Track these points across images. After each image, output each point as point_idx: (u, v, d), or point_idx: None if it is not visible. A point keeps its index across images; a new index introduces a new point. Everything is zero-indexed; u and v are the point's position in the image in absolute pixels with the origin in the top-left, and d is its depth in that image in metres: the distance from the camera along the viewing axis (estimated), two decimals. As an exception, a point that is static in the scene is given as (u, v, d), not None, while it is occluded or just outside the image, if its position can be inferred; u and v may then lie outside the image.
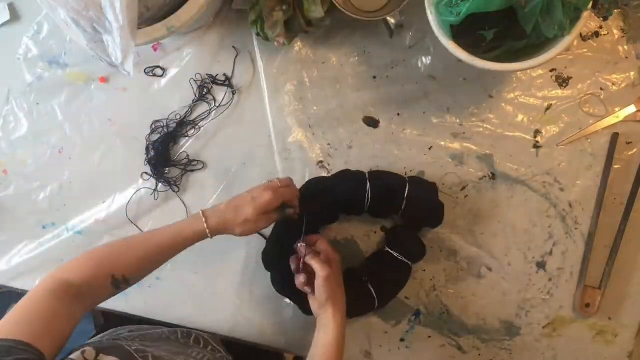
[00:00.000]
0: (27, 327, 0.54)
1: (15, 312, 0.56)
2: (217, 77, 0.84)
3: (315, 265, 0.69)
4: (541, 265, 0.79)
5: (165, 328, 0.77)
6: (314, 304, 0.70)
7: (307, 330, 0.83)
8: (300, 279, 0.71)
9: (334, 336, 0.67)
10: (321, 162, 0.82)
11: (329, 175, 0.81)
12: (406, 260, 0.76)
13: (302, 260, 0.71)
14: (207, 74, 0.84)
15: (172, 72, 0.85)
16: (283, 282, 0.77)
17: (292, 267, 0.72)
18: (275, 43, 0.76)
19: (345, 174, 0.78)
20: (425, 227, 0.79)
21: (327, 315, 0.68)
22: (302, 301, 0.76)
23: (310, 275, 0.70)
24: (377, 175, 0.76)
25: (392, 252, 0.76)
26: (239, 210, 0.68)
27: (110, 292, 0.64)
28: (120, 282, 0.64)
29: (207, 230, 0.67)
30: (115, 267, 0.64)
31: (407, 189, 0.73)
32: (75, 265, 0.63)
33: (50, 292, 0.59)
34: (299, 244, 0.72)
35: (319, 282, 0.68)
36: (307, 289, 0.70)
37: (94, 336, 0.78)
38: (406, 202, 0.73)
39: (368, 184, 0.74)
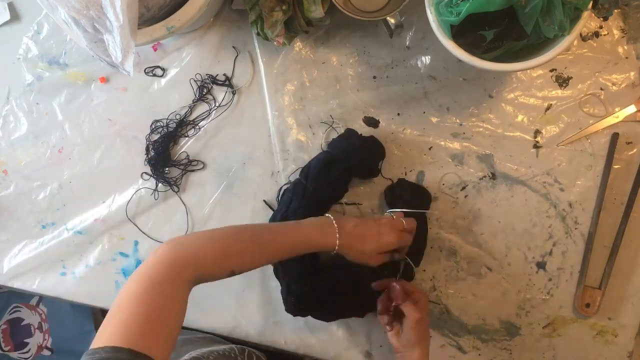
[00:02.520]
0: (139, 328, 0.47)
1: (123, 306, 0.49)
2: (217, 77, 0.84)
3: (408, 309, 0.69)
4: (541, 265, 0.79)
5: (222, 346, 0.74)
6: (396, 342, 0.71)
7: (307, 330, 0.83)
8: (385, 320, 0.72)
9: None
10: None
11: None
12: (417, 211, 0.75)
13: (393, 304, 0.71)
14: (207, 74, 0.84)
15: (172, 72, 0.85)
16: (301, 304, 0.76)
17: (380, 307, 0.74)
18: (275, 43, 0.76)
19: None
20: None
21: (413, 356, 0.69)
22: (323, 312, 0.77)
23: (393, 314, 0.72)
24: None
25: (397, 210, 0.75)
26: (363, 240, 0.68)
27: (224, 277, 0.61)
28: (235, 274, 0.61)
29: (336, 248, 0.66)
30: (240, 263, 0.61)
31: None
32: (204, 251, 0.58)
33: (172, 281, 0.53)
34: (395, 285, 0.72)
35: (410, 324, 0.69)
36: (388, 329, 0.71)
37: None
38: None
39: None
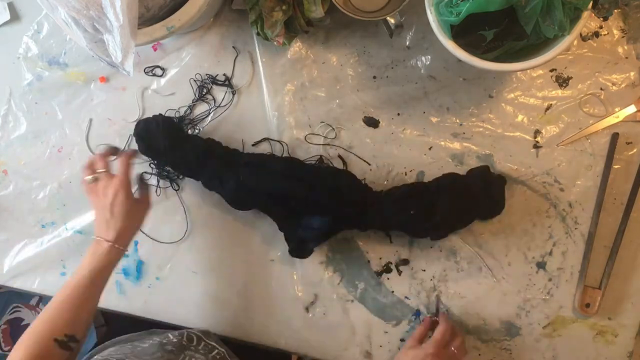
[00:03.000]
0: None
1: None
2: (217, 77, 0.84)
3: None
4: (541, 265, 0.79)
5: (156, 336, 0.75)
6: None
7: (307, 330, 0.83)
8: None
9: None
10: (321, 161, 0.82)
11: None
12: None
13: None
14: (206, 74, 0.84)
15: (172, 71, 0.85)
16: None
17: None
18: (275, 43, 0.76)
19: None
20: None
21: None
22: (295, 243, 0.76)
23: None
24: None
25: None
26: (123, 221, 0.69)
27: (61, 352, 0.62)
28: (65, 341, 0.62)
29: (121, 248, 0.69)
30: (54, 332, 0.62)
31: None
32: (19, 346, 0.62)
33: None
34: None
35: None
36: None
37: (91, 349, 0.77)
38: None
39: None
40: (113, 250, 0.69)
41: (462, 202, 0.74)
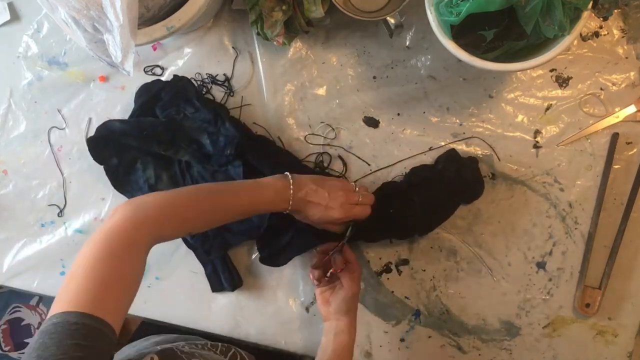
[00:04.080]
0: (91, 294, 0.48)
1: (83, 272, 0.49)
2: (217, 77, 0.84)
3: (346, 281, 0.71)
4: (541, 265, 0.79)
5: (207, 340, 0.75)
6: (326, 311, 0.73)
7: (307, 330, 0.83)
8: (315, 274, 0.73)
9: (350, 343, 0.71)
10: (321, 161, 0.82)
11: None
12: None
13: (331, 270, 0.72)
14: (206, 74, 0.84)
15: (172, 71, 0.85)
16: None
17: (315, 261, 0.74)
18: (275, 43, 0.76)
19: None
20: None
21: (344, 323, 0.72)
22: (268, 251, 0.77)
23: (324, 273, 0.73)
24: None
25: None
26: (311, 209, 0.68)
27: (175, 237, 0.63)
28: (192, 234, 0.66)
29: (287, 211, 0.67)
30: (199, 226, 0.63)
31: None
32: (164, 216, 0.57)
33: (129, 246, 0.53)
34: (334, 255, 0.72)
35: (347, 295, 0.71)
36: (316, 283, 0.73)
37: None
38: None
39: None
40: (283, 207, 0.67)
41: (438, 192, 0.75)
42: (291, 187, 0.66)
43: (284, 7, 0.73)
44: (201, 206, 0.61)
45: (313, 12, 0.72)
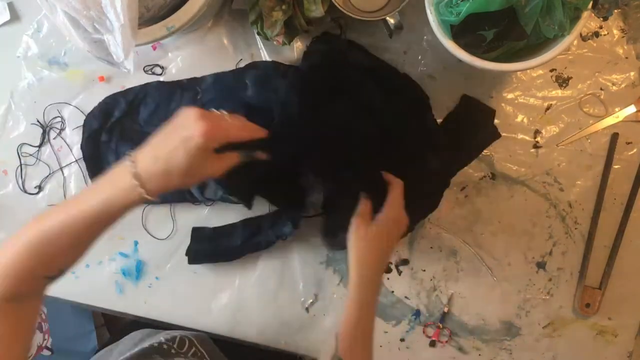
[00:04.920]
0: None
1: None
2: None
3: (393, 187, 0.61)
4: (541, 265, 0.79)
5: (153, 340, 0.68)
6: (363, 231, 0.62)
7: (307, 330, 0.83)
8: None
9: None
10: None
11: None
12: None
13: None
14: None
15: (172, 71, 0.85)
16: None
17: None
18: (275, 42, 0.76)
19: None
20: None
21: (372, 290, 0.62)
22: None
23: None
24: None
25: None
26: (171, 160, 0.50)
27: (47, 285, 0.54)
28: (54, 277, 0.53)
29: (149, 197, 0.50)
30: (41, 267, 0.51)
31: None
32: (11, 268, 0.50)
33: None
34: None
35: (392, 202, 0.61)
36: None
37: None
38: None
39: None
40: (135, 192, 0.50)
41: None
42: (129, 167, 0.51)
43: (283, 7, 0.73)
44: (43, 243, 0.51)
45: (313, 11, 0.72)
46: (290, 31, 0.76)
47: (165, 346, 0.63)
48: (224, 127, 0.52)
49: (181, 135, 0.50)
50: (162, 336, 0.66)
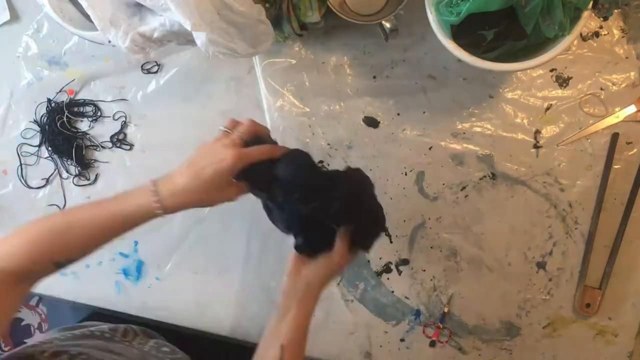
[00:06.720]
0: None
1: None
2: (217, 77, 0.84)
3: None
4: (541, 265, 0.79)
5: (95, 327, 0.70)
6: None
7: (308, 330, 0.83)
8: None
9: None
10: (321, 162, 0.82)
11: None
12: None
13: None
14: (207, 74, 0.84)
15: (172, 71, 0.85)
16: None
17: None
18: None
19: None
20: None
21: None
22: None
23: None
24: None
25: None
26: (197, 176, 0.57)
27: (52, 272, 0.59)
28: (62, 264, 0.58)
29: (160, 209, 0.57)
30: (57, 251, 0.57)
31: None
32: (9, 250, 0.56)
33: None
34: None
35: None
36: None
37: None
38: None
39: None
40: (153, 206, 0.57)
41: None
42: (150, 180, 0.58)
43: (266, 5, 0.70)
44: (60, 230, 0.58)
45: (309, 17, 0.72)
46: (281, 32, 0.75)
47: (107, 334, 0.67)
48: (248, 152, 0.59)
49: (214, 157, 0.57)
50: (106, 326, 0.70)
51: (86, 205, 0.61)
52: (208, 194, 0.58)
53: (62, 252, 0.57)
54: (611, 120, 0.76)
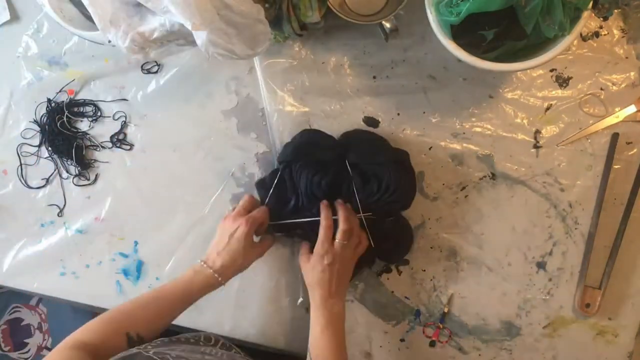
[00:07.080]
0: None
1: None
2: (217, 78, 0.84)
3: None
4: (541, 265, 0.79)
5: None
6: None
7: (307, 330, 0.83)
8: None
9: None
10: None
11: None
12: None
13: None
14: (206, 74, 0.84)
15: (172, 71, 0.85)
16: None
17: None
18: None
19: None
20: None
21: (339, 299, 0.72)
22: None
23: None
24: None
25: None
26: (233, 253, 0.72)
27: (126, 348, 0.65)
28: (134, 340, 0.66)
29: (220, 279, 0.72)
30: (129, 326, 0.67)
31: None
32: (91, 327, 0.66)
33: (70, 348, 0.62)
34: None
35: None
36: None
37: None
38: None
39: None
40: (212, 279, 0.71)
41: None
42: (200, 261, 0.73)
43: (266, 5, 0.70)
44: (132, 308, 0.69)
45: (309, 17, 0.72)
46: (281, 32, 0.75)
47: (192, 340, 0.74)
48: (253, 214, 0.74)
49: (231, 230, 0.72)
50: (188, 334, 0.77)
51: (154, 289, 0.72)
52: (244, 257, 0.73)
53: (132, 327, 0.67)
54: (611, 120, 0.76)
